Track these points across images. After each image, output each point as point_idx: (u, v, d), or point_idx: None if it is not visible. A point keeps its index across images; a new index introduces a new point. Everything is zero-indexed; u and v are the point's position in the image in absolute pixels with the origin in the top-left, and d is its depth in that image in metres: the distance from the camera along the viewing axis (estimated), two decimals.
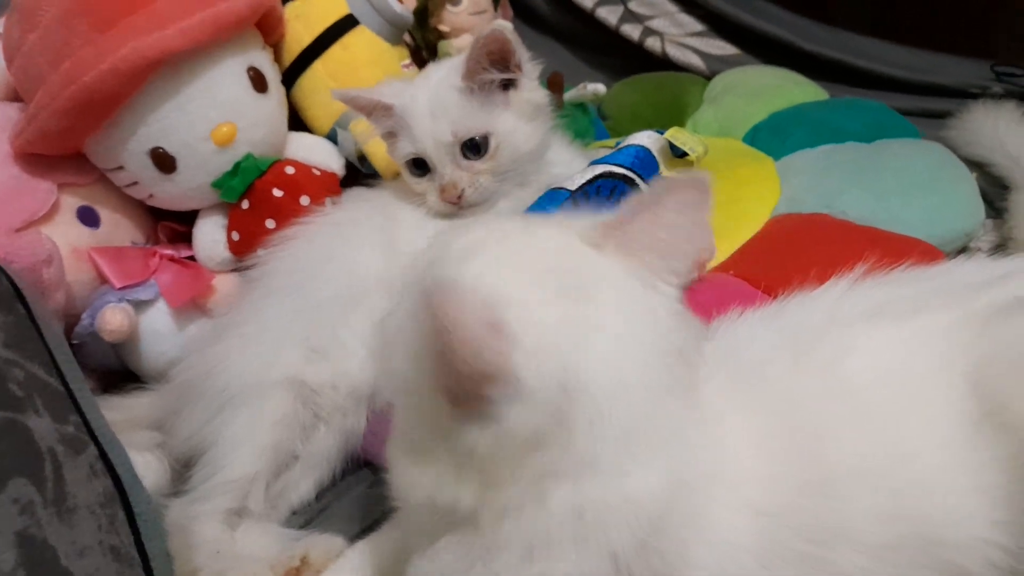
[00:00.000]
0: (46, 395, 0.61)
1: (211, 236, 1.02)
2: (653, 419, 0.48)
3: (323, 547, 0.72)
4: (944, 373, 0.51)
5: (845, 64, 1.46)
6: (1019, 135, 1.11)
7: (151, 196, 1.00)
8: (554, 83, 1.18)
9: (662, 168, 0.95)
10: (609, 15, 1.64)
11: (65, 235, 0.94)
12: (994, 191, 1.08)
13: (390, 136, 0.94)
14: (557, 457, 0.46)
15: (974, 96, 1.31)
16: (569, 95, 1.22)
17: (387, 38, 1.11)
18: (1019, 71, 1.34)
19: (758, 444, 0.52)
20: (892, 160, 1.05)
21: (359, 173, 1.10)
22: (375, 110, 0.92)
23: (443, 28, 1.22)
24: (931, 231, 0.94)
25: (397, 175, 1.00)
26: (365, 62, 1.09)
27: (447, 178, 0.90)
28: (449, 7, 1.22)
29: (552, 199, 0.88)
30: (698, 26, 1.61)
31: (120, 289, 0.95)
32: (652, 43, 1.59)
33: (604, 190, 0.88)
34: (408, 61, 1.16)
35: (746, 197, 1.05)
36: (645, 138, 0.95)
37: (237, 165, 0.97)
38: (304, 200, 0.99)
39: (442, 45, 1.21)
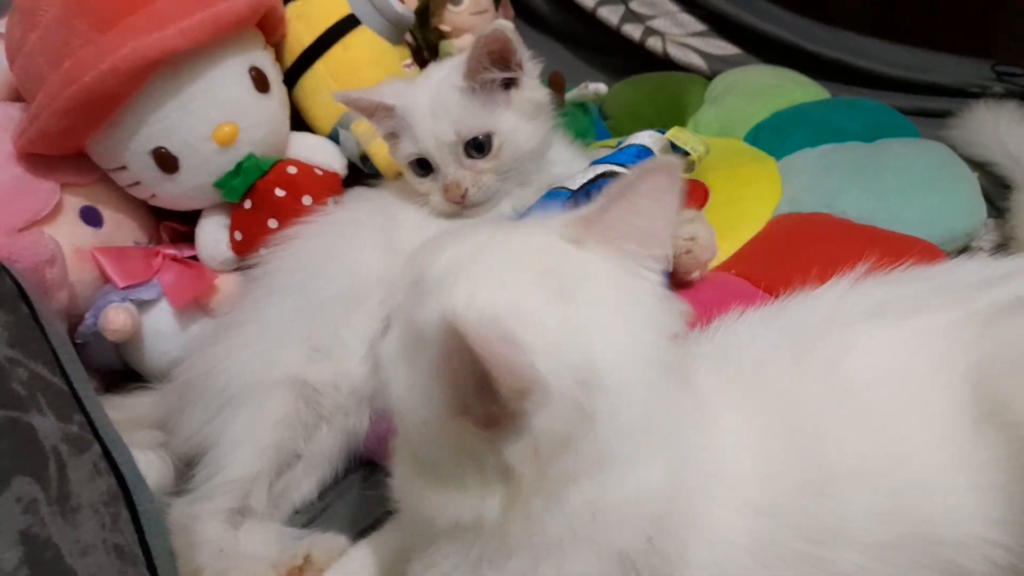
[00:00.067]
0: (50, 394, 0.61)
1: (213, 236, 1.03)
2: (657, 407, 0.49)
3: (326, 546, 0.72)
4: (944, 373, 0.51)
5: (845, 64, 1.46)
6: (1020, 135, 1.11)
7: (153, 196, 1.00)
8: (555, 83, 1.18)
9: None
10: (610, 15, 1.64)
11: (68, 235, 0.94)
12: (996, 191, 1.08)
13: (392, 137, 0.94)
14: (583, 455, 0.46)
15: (974, 96, 1.30)
16: (570, 95, 1.22)
17: (388, 38, 1.11)
18: (1020, 71, 1.34)
19: (758, 443, 0.52)
20: (892, 160, 1.05)
21: (361, 173, 1.10)
22: (377, 111, 0.92)
23: (444, 28, 1.22)
24: (931, 230, 0.94)
25: (399, 175, 1.00)
26: (366, 62, 1.09)
27: (451, 178, 0.90)
28: (450, 7, 1.22)
29: (554, 198, 0.89)
30: (699, 26, 1.61)
31: (123, 289, 0.95)
32: (653, 43, 1.59)
33: None
34: (409, 61, 1.16)
35: (747, 197, 1.05)
36: (646, 138, 0.95)
37: (239, 165, 0.98)
38: (306, 200, 0.99)
39: (443, 45, 1.21)
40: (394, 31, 1.12)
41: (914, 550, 0.49)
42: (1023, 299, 0.53)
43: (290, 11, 1.08)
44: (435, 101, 0.90)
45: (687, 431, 0.50)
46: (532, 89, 0.91)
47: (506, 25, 0.85)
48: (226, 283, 1.02)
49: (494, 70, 0.87)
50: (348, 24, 1.08)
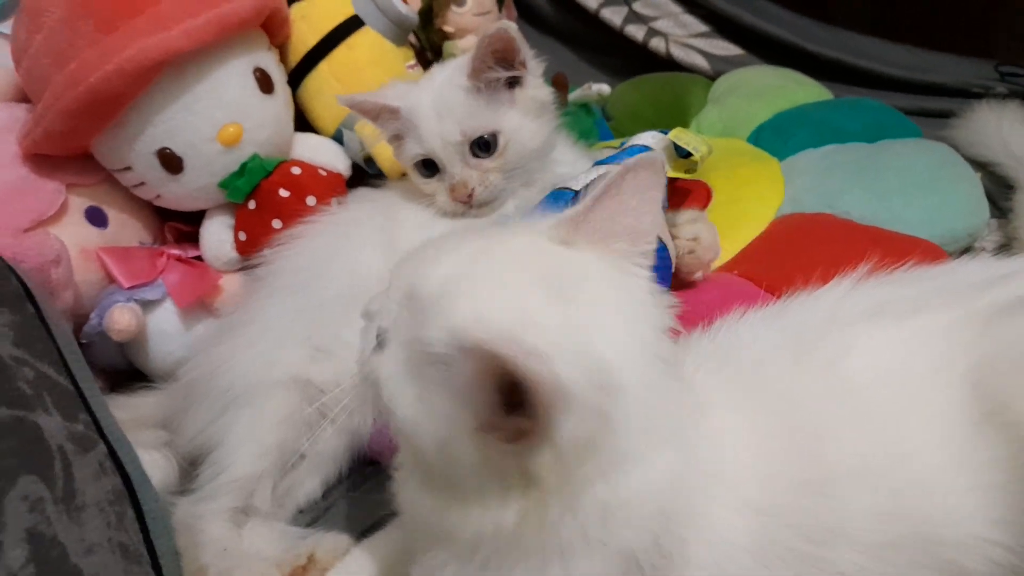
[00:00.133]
0: (55, 394, 0.62)
1: (218, 236, 1.03)
2: (659, 403, 0.49)
3: (329, 545, 0.72)
4: (944, 373, 0.51)
5: (847, 64, 1.47)
6: (1023, 135, 1.11)
7: (158, 196, 1.00)
8: (558, 84, 1.18)
9: (666, 168, 0.95)
10: (613, 16, 1.64)
11: (73, 235, 0.94)
12: (999, 191, 1.08)
13: (396, 139, 0.94)
14: (602, 457, 0.46)
15: (975, 96, 1.30)
16: (574, 96, 1.22)
17: (392, 39, 1.12)
18: (1022, 71, 1.33)
19: (758, 443, 0.52)
20: (894, 160, 1.05)
21: (365, 173, 1.11)
22: (381, 114, 0.92)
23: (448, 29, 1.23)
24: (933, 230, 0.94)
25: (403, 175, 1.01)
26: (370, 63, 1.09)
27: (457, 177, 0.91)
28: (454, 8, 1.22)
29: (557, 198, 0.89)
30: (702, 27, 1.61)
31: (128, 289, 0.95)
32: (656, 44, 1.59)
33: None
34: (413, 62, 1.16)
35: (749, 197, 1.05)
36: (649, 138, 0.95)
37: (244, 165, 0.98)
38: (310, 200, 1.00)
39: (447, 46, 1.21)
40: (398, 32, 1.12)
41: (914, 550, 0.49)
42: (1023, 299, 0.53)
43: (294, 12, 1.08)
44: (440, 101, 0.90)
45: (687, 429, 0.50)
46: (536, 88, 0.91)
47: (509, 25, 0.86)
48: (230, 283, 1.02)
49: (498, 69, 0.88)
50: (352, 25, 1.09)
